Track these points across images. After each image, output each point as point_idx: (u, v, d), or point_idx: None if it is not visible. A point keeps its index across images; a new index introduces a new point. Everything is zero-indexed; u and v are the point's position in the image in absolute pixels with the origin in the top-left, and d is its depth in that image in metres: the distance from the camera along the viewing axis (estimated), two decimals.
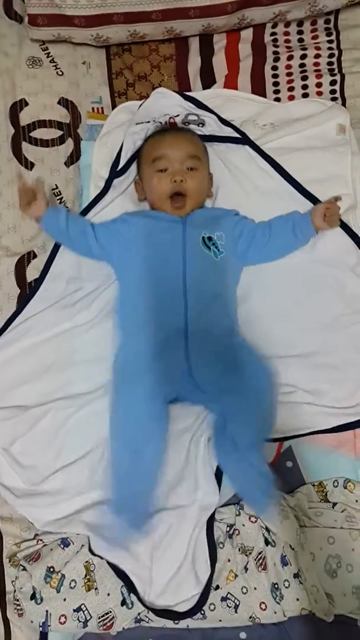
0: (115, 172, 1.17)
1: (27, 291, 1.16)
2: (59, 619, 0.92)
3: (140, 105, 1.23)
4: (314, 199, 1.16)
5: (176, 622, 0.93)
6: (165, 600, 0.92)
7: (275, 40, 1.36)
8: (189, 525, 0.94)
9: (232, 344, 1.02)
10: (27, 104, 1.28)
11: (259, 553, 0.96)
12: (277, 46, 1.35)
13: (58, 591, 0.94)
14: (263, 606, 0.94)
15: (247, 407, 0.95)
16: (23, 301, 1.13)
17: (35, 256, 1.18)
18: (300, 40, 1.35)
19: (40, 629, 0.93)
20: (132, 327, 1.03)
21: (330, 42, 1.33)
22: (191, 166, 1.09)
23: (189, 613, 0.92)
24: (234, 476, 0.96)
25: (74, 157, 1.26)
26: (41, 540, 0.99)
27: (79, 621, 0.92)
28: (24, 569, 0.96)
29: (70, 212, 1.11)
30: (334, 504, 1.00)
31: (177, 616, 0.92)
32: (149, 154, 1.12)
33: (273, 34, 1.36)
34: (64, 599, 0.93)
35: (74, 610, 0.92)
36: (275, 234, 1.10)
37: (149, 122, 1.20)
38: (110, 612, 0.93)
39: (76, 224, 1.09)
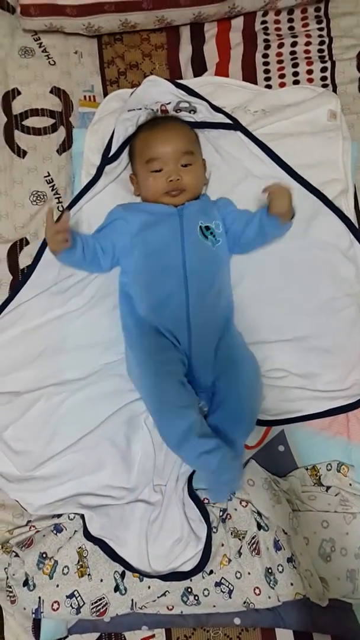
0: (107, 158, 1.17)
1: (19, 278, 1.16)
2: (52, 605, 0.92)
3: (132, 93, 1.23)
4: (305, 184, 1.16)
5: (170, 607, 0.93)
6: (170, 564, 0.93)
7: (265, 28, 1.36)
8: (176, 493, 0.96)
9: (227, 338, 1.02)
10: (19, 93, 1.28)
11: (253, 537, 0.96)
12: (267, 34, 1.35)
13: (51, 577, 0.93)
14: (257, 591, 0.93)
15: (232, 405, 0.96)
16: (15, 288, 1.12)
17: (27, 243, 1.18)
18: (291, 28, 1.36)
19: (33, 615, 0.92)
20: (138, 319, 1.03)
21: (320, 29, 1.34)
22: (186, 163, 1.08)
23: (196, 570, 0.92)
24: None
25: (66, 145, 1.26)
26: (34, 526, 0.99)
27: (72, 607, 0.92)
28: (17, 555, 0.95)
29: (82, 237, 1.06)
30: (328, 488, 1.00)
31: (183, 576, 0.92)
32: (141, 153, 1.11)
33: (264, 22, 1.36)
34: (57, 585, 0.93)
35: (67, 597, 0.92)
36: (247, 234, 1.08)
37: (140, 109, 1.19)
38: (104, 598, 0.93)
39: (89, 250, 1.05)
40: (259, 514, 0.97)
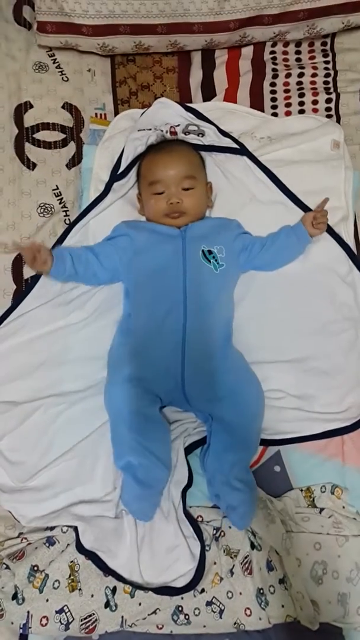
0: (116, 175, 1.19)
1: (23, 288, 1.16)
2: (40, 620, 0.90)
3: (143, 114, 1.26)
4: (308, 210, 1.18)
5: (160, 626, 0.92)
6: (162, 575, 0.92)
7: (274, 58, 1.41)
8: (171, 505, 0.96)
9: (227, 365, 1.03)
10: (31, 106, 1.31)
11: (245, 557, 0.96)
12: (276, 64, 1.40)
13: (41, 591, 0.92)
14: (248, 612, 0.93)
15: (232, 432, 0.98)
16: (18, 298, 1.13)
17: None
18: (298, 59, 1.41)
19: (21, 630, 0.90)
20: (134, 335, 1.04)
21: (326, 62, 1.39)
22: (187, 187, 1.11)
23: (188, 587, 0.92)
24: (218, 494, 0.97)
25: (75, 160, 1.28)
26: (26, 538, 0.98)
27: (61, 623, 0.90)
28: (7, 567, 0.94)
29: (71, 250, 1.07)
30: (321, 510, 1.01)
31: (175, 591, 0.91)
32: (145, 175, 1.14)
33: (272, 52, 1.41)
34: (47, 600, 0.91)
35: (56, 612, 0.90)
36: (271, 241, 1.13)
37: (150, 129, 1.22)
38: (94, 614, 0.91)
39: (80, 262, 1.06)
40: (253, 533, 0.98)
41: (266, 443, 1.05)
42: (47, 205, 1.23)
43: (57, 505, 0.98)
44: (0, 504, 0.99)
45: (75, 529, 0.96)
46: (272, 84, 1.38)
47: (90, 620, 0.91)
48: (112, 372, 1.03)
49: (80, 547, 0.94)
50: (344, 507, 1.01)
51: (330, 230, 1.18)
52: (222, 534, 0.98)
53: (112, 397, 1.00)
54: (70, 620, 0.90)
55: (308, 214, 1.13)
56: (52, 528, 0.98)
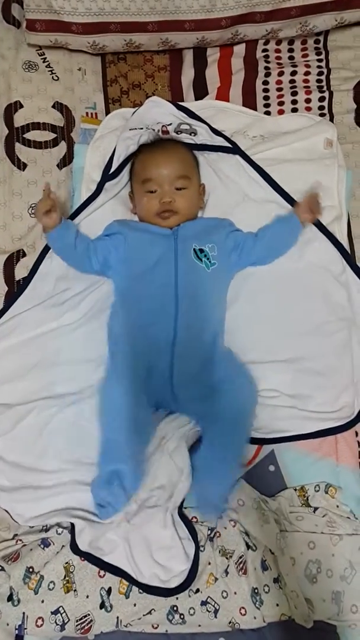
0: (108, 175, 1.19)
1: (15, 289, 1.16)
2: (36, 621, 0.91)
3: (134, 113, 1.25)
4: None
5: (155, 626, 0.93)
6: (157, 577, 0.92)
7: (266, 56, 1.40)
8: (166, 507, 0.96)
9: (216, 361, 1.03)
10: (21, 106, 1.30)
11: (240, 557, 0.96)
12: (268, 62, 1.39)
13: (36, 592, 0.92)
14: (243, 611, 0.93)
15: (222, 430, 0.97)
16: (10, 299, 1.13)
17: (24, 255, 1.18)
18: (291, 57, 1.40)
19: (16, 632, 0.91)
20: (124, 334, 1.04)
21: (319, 60, 1.38)
22: (180, 186, 1.10)
23: (181, 588, 0.92)
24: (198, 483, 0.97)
25: (66, 160, 1.27)
26: (20, 540, 0.98)
27: (57, 624, 0.91)
28: (2, 569, 0.94)
29: (77, 228, 1.12)
30: (315, 509, 1.01)
31: (169, 592, 0.92)
32: (138, 173, 1.14)
33: (265, 50, 1.40)
34: (42, 601, 0.92)
35: (52, 613, 0.91)
36: (263, 233, 1.14)
37: (142, 128, 1.22)
38: (89, 614, 0.92)
39: (82, 241, 1.09)
40: (247, 533, 0.98)
41: (260, 442, 1.05)
42: None
43: (54, 505, 0.98)
44: None
45: (71, 530, 0.96)
46: (265, 82, 1.37)
47: (86, 620, 0.92)
48: (110, 372, 1.01)
49: (74, 548, 0.94)
50: (337, 506, 1.02)
51: (324, 230, 1.18)
52: (218, 534, 0.98)
53: (109, 400, 0.97)
54: (65, 621, 0.91)
55: (303, 201, 1.14)
56: (46, 530, 0.98)
